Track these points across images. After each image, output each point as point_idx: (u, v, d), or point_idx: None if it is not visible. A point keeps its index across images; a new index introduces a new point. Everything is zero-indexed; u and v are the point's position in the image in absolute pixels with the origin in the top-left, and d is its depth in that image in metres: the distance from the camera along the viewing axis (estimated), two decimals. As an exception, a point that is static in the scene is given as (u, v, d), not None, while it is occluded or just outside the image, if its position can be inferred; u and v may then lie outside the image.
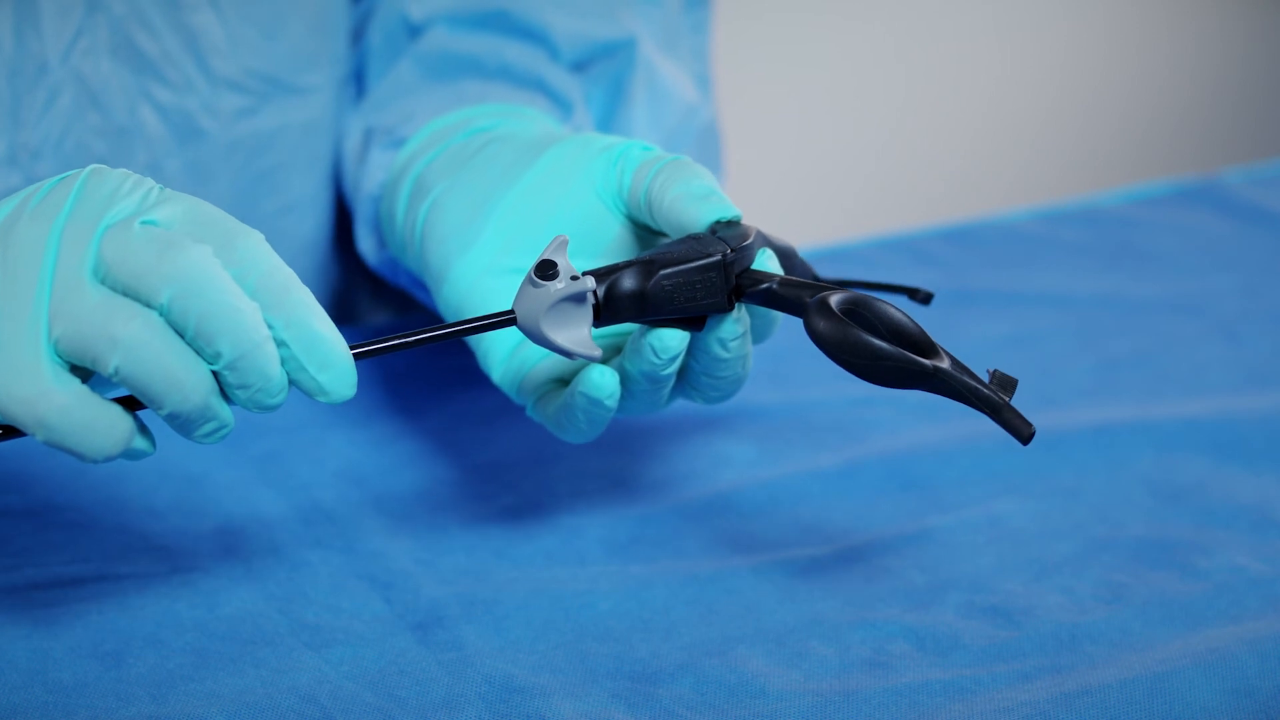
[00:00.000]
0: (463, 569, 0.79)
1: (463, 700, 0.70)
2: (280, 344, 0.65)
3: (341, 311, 1.06)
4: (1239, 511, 0.84)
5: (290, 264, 1.01)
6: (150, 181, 0.65)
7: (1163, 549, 0.81)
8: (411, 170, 0.85)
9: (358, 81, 1.01)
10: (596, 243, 0.76)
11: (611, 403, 0.73)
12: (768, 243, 0.74)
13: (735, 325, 0.72)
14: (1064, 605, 0.77)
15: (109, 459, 0.65)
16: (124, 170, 0.66)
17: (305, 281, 1.02)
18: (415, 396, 0.93)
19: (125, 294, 0.63)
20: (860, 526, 0.83)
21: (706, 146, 1.06)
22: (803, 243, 1.20)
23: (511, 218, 0.78)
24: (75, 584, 0.77)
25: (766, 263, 0.71)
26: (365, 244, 0.93)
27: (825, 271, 1.07)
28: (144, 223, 0.64)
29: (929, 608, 0.76)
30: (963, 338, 1.03)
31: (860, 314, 0.67)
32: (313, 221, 1.00)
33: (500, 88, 0.94)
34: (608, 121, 1.00)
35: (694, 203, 0.72)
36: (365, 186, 0.91)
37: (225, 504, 0.83)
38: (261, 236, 0.65)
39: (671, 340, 0.71)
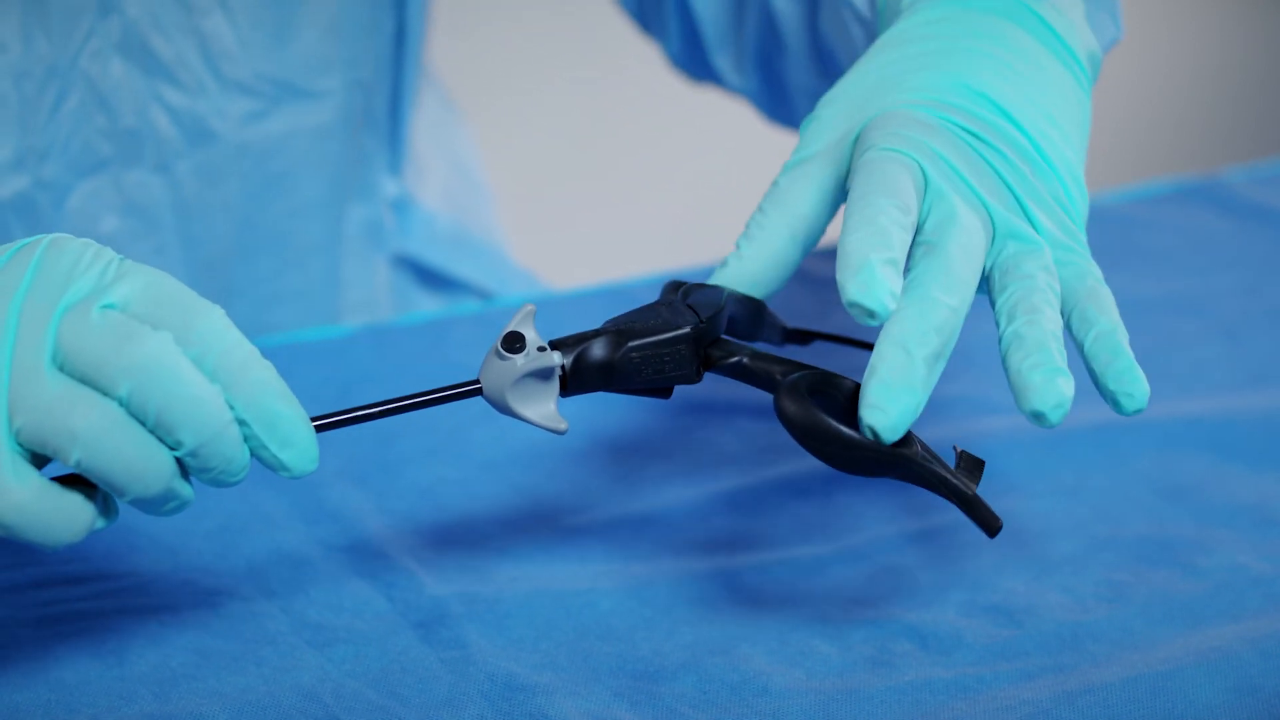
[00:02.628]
0: (465, 567, 0.79)
1: (465, 698, 0.71)
2: (241, 423, 0.64)
3: (348, 311, 1.06)
4: (1240, 510, 0.84)
5: (299, 267, 1.02)
6: (109, 253, 0.64)
7: (1164, 548, 0.81)
8: None
9: None
10: None
11: None
12: (737, 304, 0.72)
13: None
14: (1066, 604, 0.77)
15: (69, 546, 0.64)
16: (84, 241, 0.64)
17: (314, 287, 1.02)
18: (417, 395, 0.93)
19: (84, 382, 0.62)
20: (862, 525, 0.83)
21: None
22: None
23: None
24: (77, 582, 0.77)
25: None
26: None
27: (821, 272, 1.07)
28: (103, 307, 0.63)
29: (931, 606, 0.76)
30: (963, 337, 1.03)
31: (832, 395, 0.67)
32: (322, 225, 1.00)
33: None
34: None
35: None
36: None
37: (227, 502, 0.83)
38: (222, 312, 0.64)
39: None
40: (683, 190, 2.51)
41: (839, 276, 0.64)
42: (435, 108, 1.17)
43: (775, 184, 0.72)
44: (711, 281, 0.72)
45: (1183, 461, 0.88)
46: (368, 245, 1.06)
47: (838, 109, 0.73)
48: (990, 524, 0.67)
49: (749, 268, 0.72)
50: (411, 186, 1.10)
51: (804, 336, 0.78)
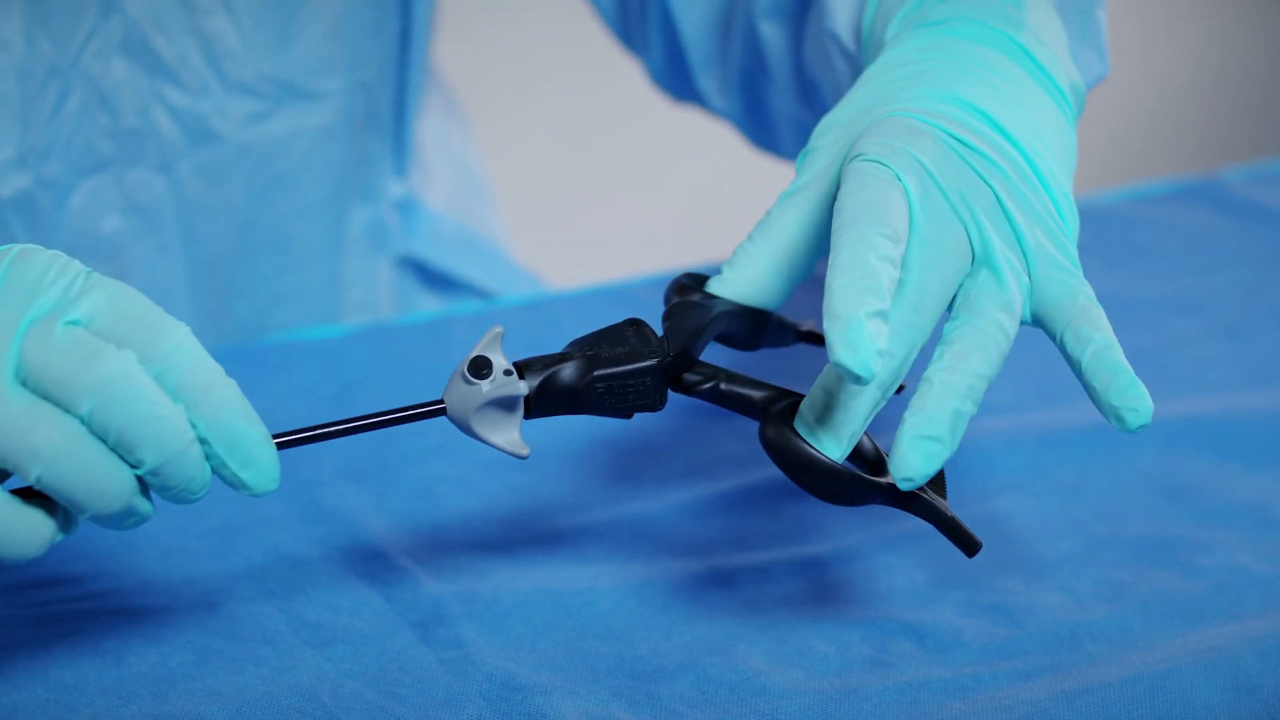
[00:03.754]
0: (463, 567, 0.79)
1: (464, 698, 0.71)
2: (203, 441, 0.64)
3: (350, 312, 1.06)
4: (1240, 509, 0.84)
5: (301, 267, 1.02)
6: (77, 265, 0.64)
7: (1163, 547, 0.81)
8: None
9: None
10: None
11: None
12: (731, 317, 0.71)
13: None
14: (1065, 603, 0.77)
15: (30, 561, 0.64)
16: (53, 253, 0.64)
17: (315, 288, 1.03)
18: (414, 395, 0.93)
19: (46, 399, 0.62)
20: (861, 524, 0.83)
21: None
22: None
23: None
24: (75, 582, 0.77)
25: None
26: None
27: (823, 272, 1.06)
28: (67, 324, 0.63)
29: (929, 606, 0.76)
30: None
31: None
32: (324, 226, 1.00)
33: None
34: None
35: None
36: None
37: (225, 502, 0.83)
38: (187, 329, 0.64)
39: None
40: (683, 190, 2.51)
41: (825, 327, 0.63)
42: (440, 109, 1.17)
43: (768, 213, 0.72)
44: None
45: (1183, 461, 0.88)
46: (370, 246, 1.06)
47: (831, 138, 0.72)
48: (970, 544, 0.68)
49: (733, 295, 0.71)
50: (416, 188, 1.11)
51: (818, 339, 0.78)
